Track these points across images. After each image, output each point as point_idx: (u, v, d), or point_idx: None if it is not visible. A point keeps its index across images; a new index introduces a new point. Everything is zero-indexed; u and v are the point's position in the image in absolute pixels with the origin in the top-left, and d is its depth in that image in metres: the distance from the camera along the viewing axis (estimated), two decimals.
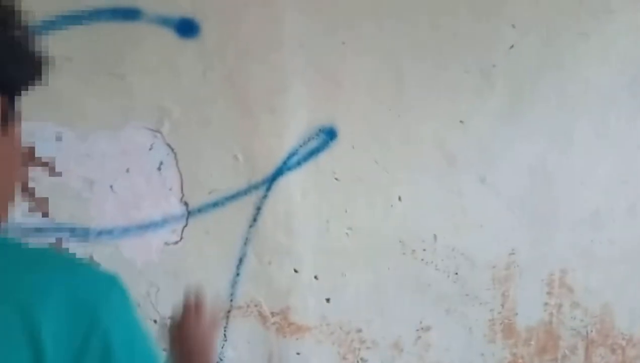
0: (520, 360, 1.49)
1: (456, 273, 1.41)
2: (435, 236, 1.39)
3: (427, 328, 1.42)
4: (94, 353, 0.55)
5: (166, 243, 1.29)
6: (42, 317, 0.54)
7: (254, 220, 1.30)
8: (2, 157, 0.57)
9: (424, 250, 1.39)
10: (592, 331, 1.54)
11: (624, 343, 1.58)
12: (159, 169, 1.26)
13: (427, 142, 1.36)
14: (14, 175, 0.62)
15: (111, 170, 1.24)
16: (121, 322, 0.59)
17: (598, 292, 1.52)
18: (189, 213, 1.28)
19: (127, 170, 1.25)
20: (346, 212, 1.35)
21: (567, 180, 1.46)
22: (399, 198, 1.37)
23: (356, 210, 1.35)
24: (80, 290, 0.57)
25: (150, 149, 1.25)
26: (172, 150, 1.25)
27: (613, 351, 1.58)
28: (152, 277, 1.29)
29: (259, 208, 1.30)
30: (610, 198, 1.49)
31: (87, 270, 0.60)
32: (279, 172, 1.30)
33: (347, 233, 1.36)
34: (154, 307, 1.30)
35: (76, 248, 1.22)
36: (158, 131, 1.24)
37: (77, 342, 0.55)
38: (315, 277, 1.36)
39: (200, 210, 1.28)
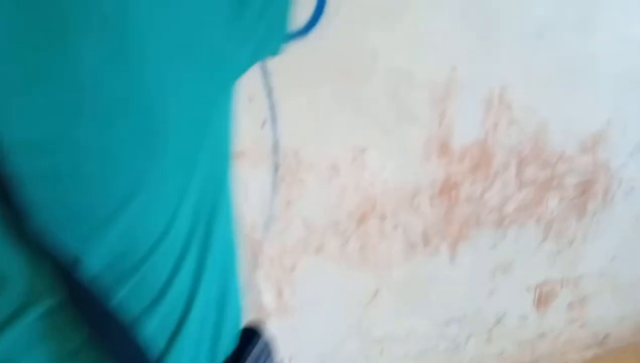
0: (453, 178, 1.53)
1: (394, 93, 1.37)
2: (374, 51, 1.32)
3: (363, 150, 1.42)
4: None
5: None
6: None
7: None
8: None
9: (363, 67, 1.33)
10: (525, 149, 1.58)
11: (555, 160, 1.64)
12: None
13: None
14: None
15: None
16: None
17: (535, 109, 1.53)
18: None
19: None
20: None
21: None
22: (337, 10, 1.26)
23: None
24: None
25: None
26: None
27: (543, 167, 1.64)
28: None
29: None
30: (560, 11, 1.42)
31: None
32: None
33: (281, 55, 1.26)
34: None
35: None
36: None
37: None
38: (249, 100, 1.29)
39: None
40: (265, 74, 1.27)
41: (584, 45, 1.49)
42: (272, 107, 1.30)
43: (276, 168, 1.38)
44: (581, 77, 1.53)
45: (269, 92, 1.29)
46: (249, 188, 1.38)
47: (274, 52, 0.66)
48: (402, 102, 1.38)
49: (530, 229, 1.72)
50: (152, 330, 0.55)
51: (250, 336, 0.67)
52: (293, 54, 1.26)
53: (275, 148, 1.35)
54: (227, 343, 0.64)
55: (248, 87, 1.27)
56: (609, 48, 1.52)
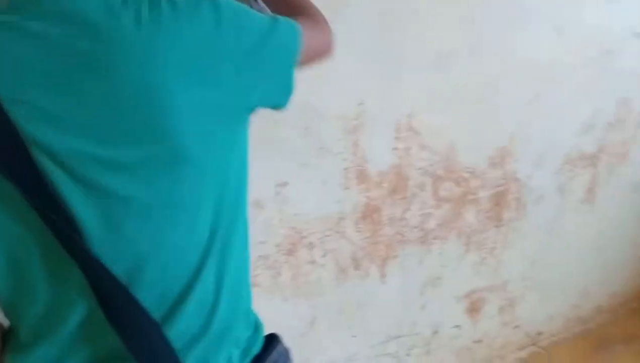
0: (373, 202, 1.60)
1: (306, 129, 1.43)
2: None
3: (284, 184, 1.46)
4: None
5: None
6: None
7: None
8: None
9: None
10: (438, 169, 1.67)
11: (467, 176, 1.74)
12: None
13: None
14: None
15: None
16: None
17: (443, 132, 1.63)
18: None
19: None
20: None
21: (413, 24, 1.47)
22: None
23: None
24: None
25: None
26: None
27: (458, 184, 1.73)
28: None
29: None
30: (454, 39, 1.53)
31: None
32: None
33: None
34: None
35: None
36: None
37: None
38: None
39: None
40: None
41: (480, 69, 1.60)
42: None
43: None
44: (481, 98, 1.64)
45: None
46: None
47: (279, 105, 0.82)
48: (316, 136, 1.44)
49: (453, 243, 1.81)
50: (180, 329, 0.68)
51: (271, 341, 0.83)
52: None
53: None
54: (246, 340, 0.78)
55: None
56: (503, 69, 1.64)
